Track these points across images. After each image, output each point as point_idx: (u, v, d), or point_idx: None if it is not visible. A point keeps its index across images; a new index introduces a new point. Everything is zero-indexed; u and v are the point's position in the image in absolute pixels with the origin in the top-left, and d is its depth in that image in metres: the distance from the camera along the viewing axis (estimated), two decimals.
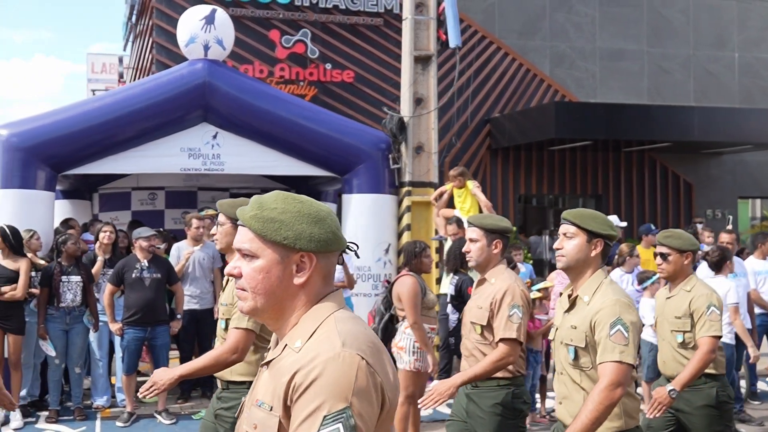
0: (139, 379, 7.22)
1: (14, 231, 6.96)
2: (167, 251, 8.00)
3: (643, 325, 5.84)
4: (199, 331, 7.70)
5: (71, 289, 7.00)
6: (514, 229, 13.48)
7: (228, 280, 3.83)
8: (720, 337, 4.18)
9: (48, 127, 7.96)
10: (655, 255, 4.43)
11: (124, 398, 7.29)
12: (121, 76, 16.99)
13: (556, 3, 14.39)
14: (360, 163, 8.54)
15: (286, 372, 1.64)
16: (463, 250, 4.24)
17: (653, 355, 6.06)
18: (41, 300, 7.00)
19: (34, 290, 7.02)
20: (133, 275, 6.94)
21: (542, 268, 12.89)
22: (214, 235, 3.87)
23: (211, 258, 7.75)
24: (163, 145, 8.23)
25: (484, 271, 4.07)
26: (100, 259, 7.43)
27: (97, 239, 7.59)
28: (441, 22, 8.73)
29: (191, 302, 7.62)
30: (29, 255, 7.07)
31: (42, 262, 7.24)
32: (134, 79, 15.28)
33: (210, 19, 8.14)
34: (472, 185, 8.04)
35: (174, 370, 3.58)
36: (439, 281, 8.41)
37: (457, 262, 6.45)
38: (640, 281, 7.01)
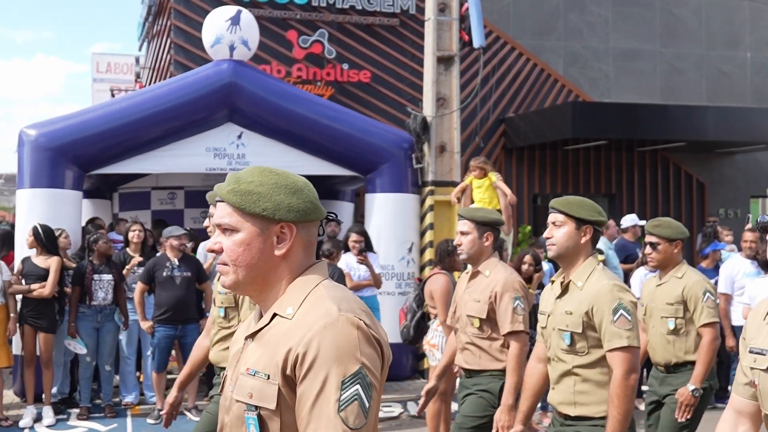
0: (169, 376, 7.30)
1: (46, 229, 7.04)
2: (194, 250, 8.07)
3: None
4: None
5: (103, 287, 7.08)
6: (528, 228, 13.56)
7: None
8: (718, 322, 4.22)
9: (76, 126, 8.03)
10: (645, 245, 4.46)
11: (152, 395, 7.37)
12: (138, 76, 17.05)
13: (570, 3, 14.44)
14: (383, 162, 8.60)
15: (283, 340, 1.64)
16: (455, 242, 4.27)
17: None
18: (73, 298, 7.09)
19: (67, 289, 7.11)
20: (164, 274, 7.01)
21: (556, 266, 12.94)
22: None
23: None
24: (188, 144, 8.30)
25: (477, 263, 4.12)
26: (136, 258, 7.47)
27: (126, 238, 7.67)
28: (462, 22, 8.80)
29: None
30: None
31: (72, 263, 7.31)
32: (151, 79, 15.34)
33: (236, 20, 8.20)
34: (495, 177, 7.99)
35: None
36: None
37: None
38: None
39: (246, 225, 1.73)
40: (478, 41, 8.41)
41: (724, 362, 7.31)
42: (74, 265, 7.19)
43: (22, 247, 7.47)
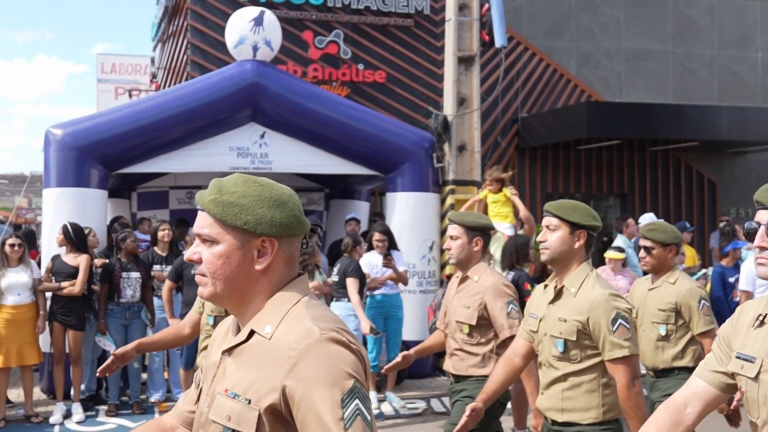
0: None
1: (76, 228, 7.12)
2: None
3: None
4: None
5: (131, 285, 7.15)
6: (539, 227, 13.61)
7: None
8: (715, 328, 4.18)
9: (101, 126, 8.10)
10: (639, 248, 4.44)
11: (179, 391, 7.43)
12: (153, 76, 17.12)
13: (582, 4, 14.50)
14: (404, 162, 8.67)
15: (267, 365, 1.60)
16: (444, 247, 4.26)
17: None
18: (102, 296, 7.16)
19: (95, 287, 7.18)
20: (192, 272, 7.07)
21: None
22: None
23: None
24: (212, 144, 8.37)
25: (466, 268, 4.11)
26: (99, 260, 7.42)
27: (154, 237, 7.74)
28: (483, 23, 8.87)
29: None
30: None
31: (97, 261, 7.38)
32: (167, 80, 15.40)
33: (259, 21, 8.28)
34: (510, 192, 7.97)
35: None
36: None
37: (513, 258, 6.58)
38: None
39: (226, 237, 1.67)
40: (500, 41, 8.48)
41: None
42: (107, 261, 7.26)
43: (50, 246, 7.54)
